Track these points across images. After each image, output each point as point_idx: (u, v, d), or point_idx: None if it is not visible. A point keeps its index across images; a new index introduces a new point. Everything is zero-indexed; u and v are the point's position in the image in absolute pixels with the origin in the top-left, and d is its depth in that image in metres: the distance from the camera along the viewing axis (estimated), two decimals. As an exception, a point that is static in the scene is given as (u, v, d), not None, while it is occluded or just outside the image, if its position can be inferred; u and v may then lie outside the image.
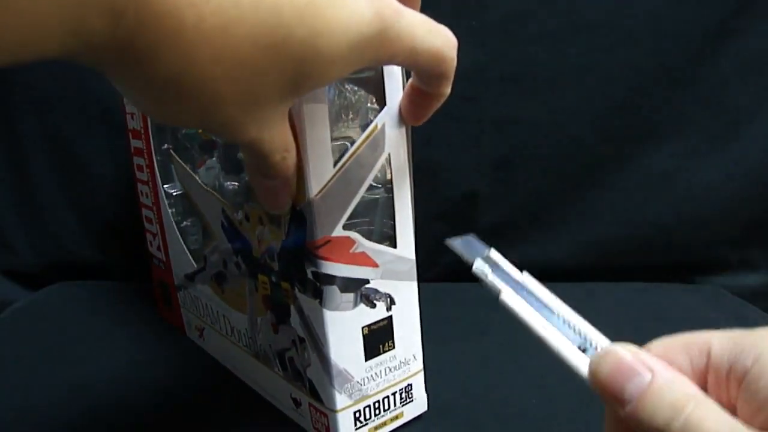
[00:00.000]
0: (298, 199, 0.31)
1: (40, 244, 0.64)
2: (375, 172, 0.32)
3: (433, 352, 0.38)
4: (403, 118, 0.32)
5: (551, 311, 0.24)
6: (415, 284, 0.36)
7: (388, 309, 0.35)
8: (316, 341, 0.33)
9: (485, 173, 0.61)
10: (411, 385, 0.37)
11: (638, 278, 0.61)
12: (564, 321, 0.24)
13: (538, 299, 0.25)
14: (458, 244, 0.27)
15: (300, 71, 0.22)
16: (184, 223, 0.47)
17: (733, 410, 0.20)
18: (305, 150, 0.29)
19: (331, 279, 0.32)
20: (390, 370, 0.36)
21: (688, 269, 0.63)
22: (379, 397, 0.36)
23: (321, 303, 0.32)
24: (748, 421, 0.20)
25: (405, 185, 0.34)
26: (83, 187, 0.62)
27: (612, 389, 0.21)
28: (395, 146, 0.32)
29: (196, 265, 0.45)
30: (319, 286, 0.32)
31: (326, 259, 0.31)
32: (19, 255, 0.64)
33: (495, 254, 0.27)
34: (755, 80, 0.58)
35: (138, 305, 0.58)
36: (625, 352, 0.22)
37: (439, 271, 0.61)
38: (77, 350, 0.50)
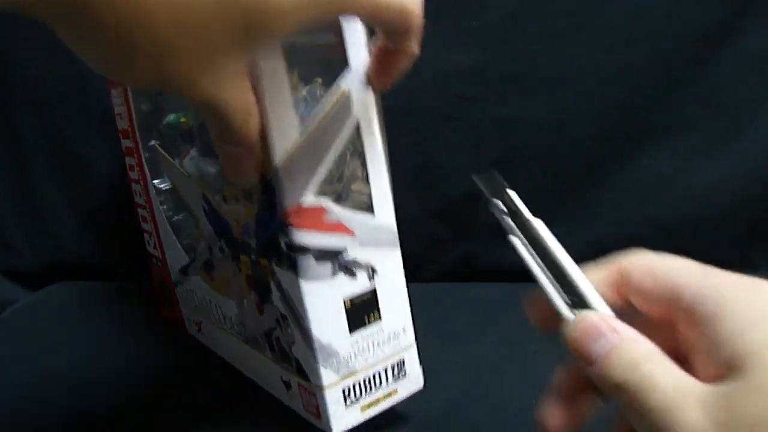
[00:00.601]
0: (265, 168, 0.30)
1: (40, 244, 0.64)
2: (344, 137, 0.31)
3: (433, 352, 0.38)
4: (370, 82, 0.31)
5: (554, 262, 0.26)
6: (398, 253, 0.34)
7: (371, 279, 0.33)
8: (296, 315, 0.32)
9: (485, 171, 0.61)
10: (403, 360, 0.36)
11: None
12: (563, 274, 0.25)
13: (544, 248, 0.26)
14: (481, 179, 0.29)
15: (250, 22, 0.22)
16: (176, 217, 0.46)
17: (693, 351, 0.22)
18: (266, 113, 0.28)
19: (304, 249, 0.31)
20: (378, 344, 0.34)
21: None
22: (369, 372, 0.34)
23: (296, 274, 0.31)
24: (703, 366, 0.21)
25: (378, 151, 0.33)
26: (83, 187, 0.62)
27: (581, 350, 0.23)
28: (364, 111, 0.31)
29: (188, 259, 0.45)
30: (293, 257, 0.31)
31: (298, 227, 0.30)
32: (19, 255, 0.64)
33: (513, 195, 0.28)
34: (755, 80, 0.58)
35: (138, 305, 0.58)
36: (596, 316, 0.23)
37: (439, 271, 0.60)
38: (77, 350, 0.50)
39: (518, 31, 0.56)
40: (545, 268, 0.26)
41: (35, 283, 0.63)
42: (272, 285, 0.34)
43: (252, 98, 0.26)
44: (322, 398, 0.33)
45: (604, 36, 0.56)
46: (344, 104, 0.30)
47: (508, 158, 0.60)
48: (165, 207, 0.46)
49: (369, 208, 0.33)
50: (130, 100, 0.45)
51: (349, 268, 0.32)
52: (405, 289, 0.35)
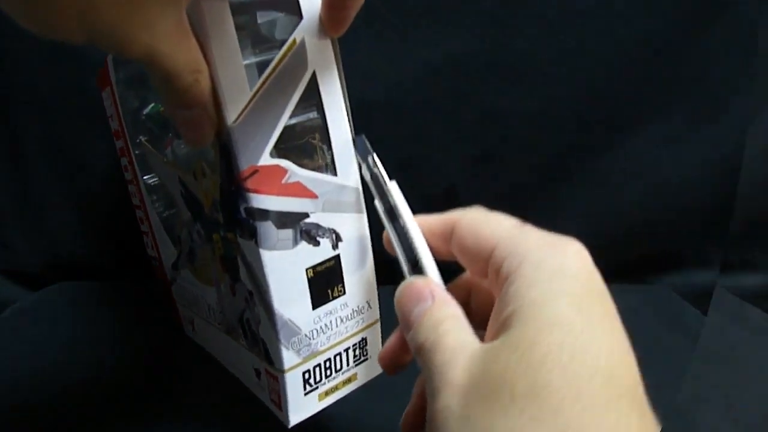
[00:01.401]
0: (218, 128, 0.27)
1: (40, 244, 0.63)
2: (300, 92, 0.28)
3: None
4: (325, 30, 0.28)
5: (402, 226, 0.27)
6: (363, 217, 0.31)
7: (334, 247, 0.30)
8: (259, 289, 0.30)
9: (466, 167, 0.59)
10: (365, 339, 0.32)
11: (634, 275, 0.60)
12: (407, 238, 0.27)
13: (395, 212, 0.28)
14: (356, 145, 0.30)
15: None
16: (167, 212, 0.45)
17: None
18: (215, 69, 0.26)
19: (264, 214, 0.28)
20: (341, 320, 0.31)
21: (688, 269, 0.63)
22: (330, 354, 0.31)
23: (257, 243, 0.28)
24: (491, 326, 0.22)
25: (338, 104, 0.30)
26: (83, 187, 0.61)
27: (403, 312, 0.24)
28: (321, 62, 0.28)
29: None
30: (252, 224, 0.28)
31: (255, 191, 0.28)
32: (19, 255, 0.63)
33: (376, 159, 0.29)
34: (734, 64, 0.57)
35: (138, 305, 0.57)
36: (421, 281, 0.25)
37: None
38: (77, 350, 0.49)
39: (498, 23, 0.55)
40: (396, 233, 0.27)
41: (35, 283, 0.62)
42: (239, 260, 0.31)
43: (200, 55, 0.24)
44: (283, 383, 0.30)
45: (594, 28, 0.56)
46: (297, 54, 0.28)
47: (489, 151, 0.59)
48: (157, 204, 0.45)
49: (330, 167, 0.30)
50: (117, 99, 0.44)
51: (311, 236, 0.30)
52: (371, 258, 0.32)
